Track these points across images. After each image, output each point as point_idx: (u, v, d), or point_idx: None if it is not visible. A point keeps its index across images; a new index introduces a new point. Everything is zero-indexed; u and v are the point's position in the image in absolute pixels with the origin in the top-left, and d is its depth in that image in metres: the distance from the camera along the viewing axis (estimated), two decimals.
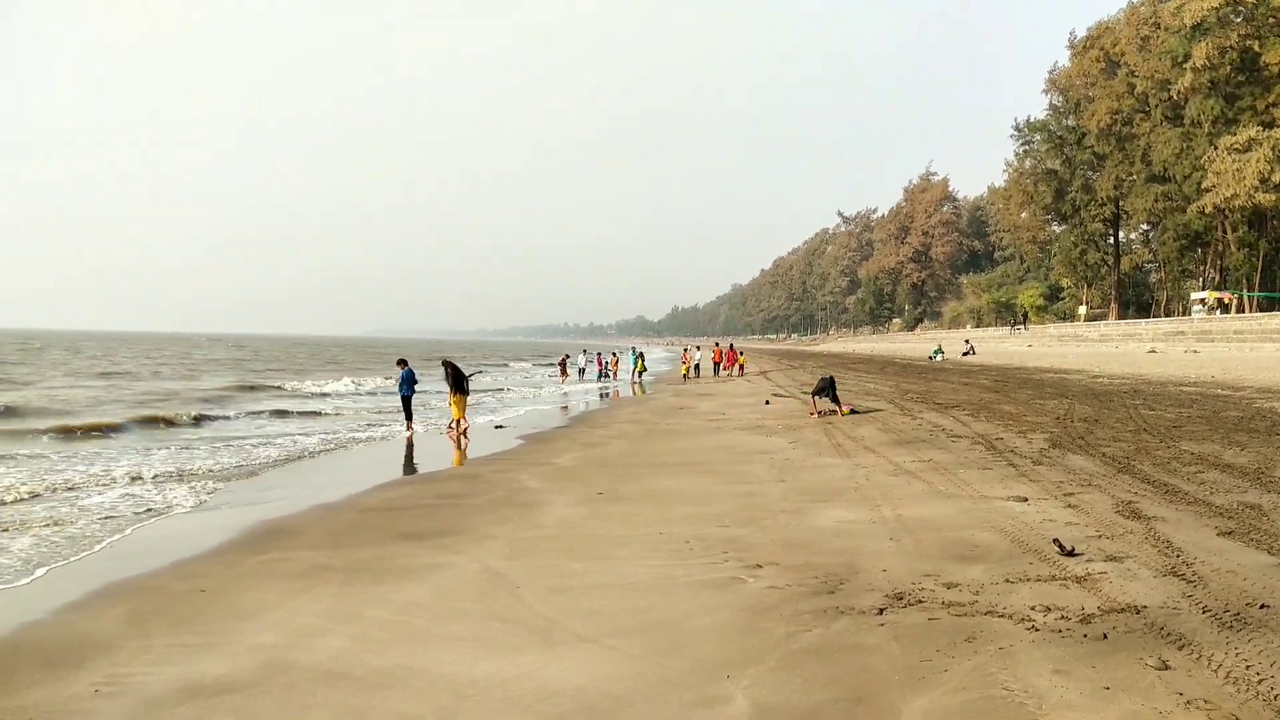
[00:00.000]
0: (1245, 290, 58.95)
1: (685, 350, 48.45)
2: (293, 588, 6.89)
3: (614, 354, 49.03)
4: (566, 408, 27.74)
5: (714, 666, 4.97)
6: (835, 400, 19.44)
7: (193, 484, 12.47)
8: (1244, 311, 55.23)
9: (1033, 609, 5.58)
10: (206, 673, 5.11)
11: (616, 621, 5.81)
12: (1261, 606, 5.32)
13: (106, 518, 10.06)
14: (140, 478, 12.89)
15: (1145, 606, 5.47)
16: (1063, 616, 5.40)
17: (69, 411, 23.85)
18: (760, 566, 6.99)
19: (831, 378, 20.28)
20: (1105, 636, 5.01)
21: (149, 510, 10.57)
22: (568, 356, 46.04)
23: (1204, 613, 5.30)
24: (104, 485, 12.28)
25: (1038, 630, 5.19)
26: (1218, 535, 7.16)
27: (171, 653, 5.46)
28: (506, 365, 67.15)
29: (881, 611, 5.72)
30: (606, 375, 44.94)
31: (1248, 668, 4.45)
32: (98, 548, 8.68)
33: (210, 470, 13.75)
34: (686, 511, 9.43)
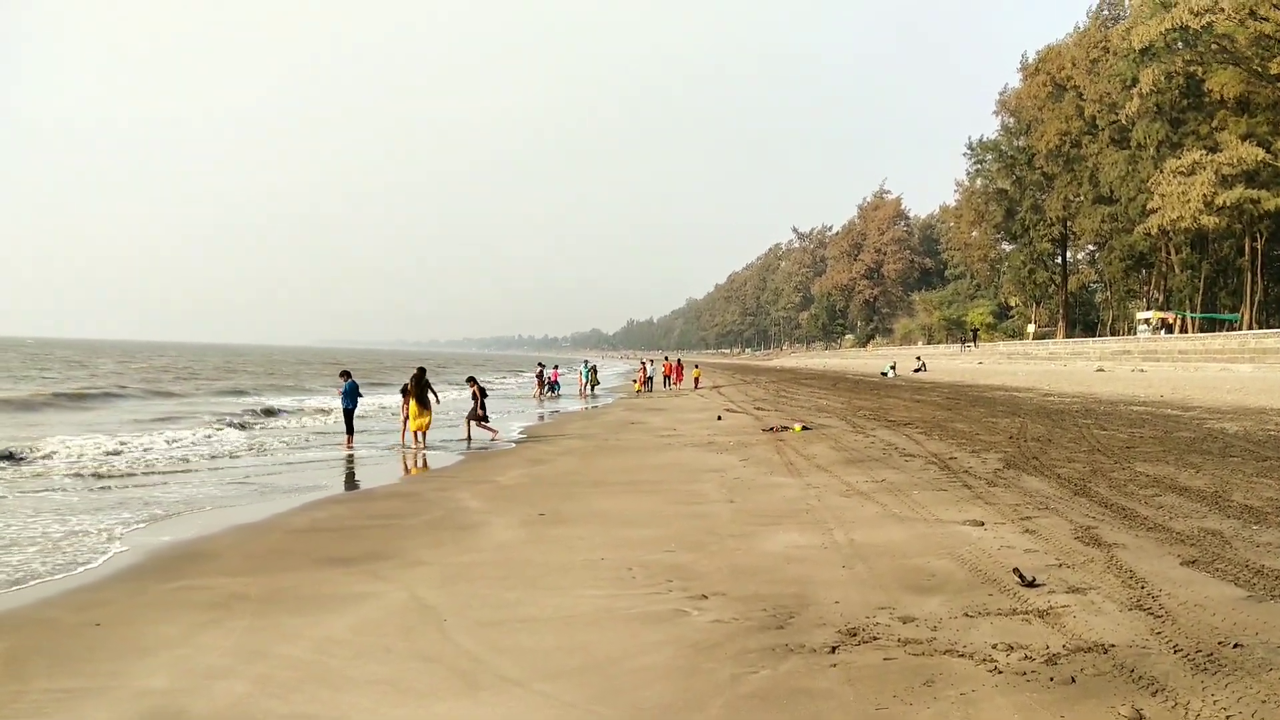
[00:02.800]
0: (1188, 311, 60.07)
1: (643, 364, 48.08)
2: (200, 620, 6.33)
3: (555, 366, 48.07)
4: (519, 422, 27.17)
5: (653, 716, 4.53)
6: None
7: (99, 501, 11.76)
8: (1186, 332, 56.24)
9: (994, 647, 5.22)
10: None
11: (549, 661, 5.34)
12: (1235, 646, 5.01)
13: None
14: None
15: (1113, 645, 5.13)
16: (1026, 656, 5.04)
17: None
18: (706, 597, 6.57)
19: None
20: (1073, 680, 4.66)
21: (43, 534, 9.86)
22: (542, 367, 44.35)
23: (1175, 652, 4.97)
24: None
25: (1000, 673, 4.82)
26: (1181, 564, 6.88)
27: (46, 701, 4.89)
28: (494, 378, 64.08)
29: (834, 650, 5.32)
30: (555, 387, 44.14)
31: (1228, 718, 4.11)
32: None
33: (124, 486, 13.02)
34: (632, 535, 8.99)
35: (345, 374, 20.79)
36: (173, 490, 12.78)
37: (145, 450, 17.49)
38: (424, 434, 18.84)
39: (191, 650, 5.65)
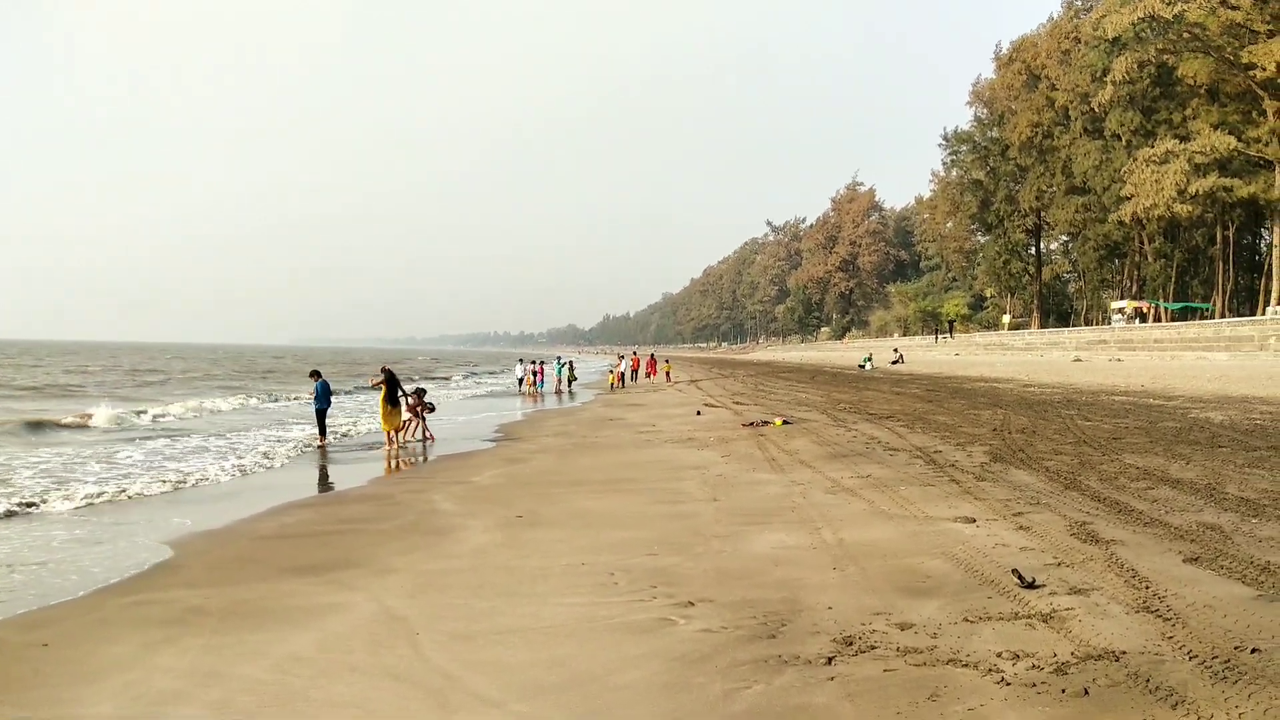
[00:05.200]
0: (1161, 300, 60.41)
1: (621, 358, 47.82)
2: (156, 638, 5.94)
3: (540, 362, 47.43)
4: (497, 419, 26.76)
5: None
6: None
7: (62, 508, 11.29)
8: (1160, 321, 56.55)
9: (999, 655, 4.93)
10: None
11: (527, 677, 5.01)
12: (1253, 651, 4.74)
13: None
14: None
15: (1124, 652, 4.85)
16: (1034, 665, 4.76)
17: None
18: (692, 604, 6.25)
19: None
20: (1086, 692, 4.37)
21: None
22: (540, 363, 43.16)
23: (1190, 659, 4.70)
24: None
25: (1009, 684, 4.53)
26: (1184, 561, 6.63)
27: None
28: (448, 379, 62.52)
29: (830, 661, 5.02)
30: (543, 384, 43.58)
31: None
32: None
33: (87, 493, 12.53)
34: (613, 537, 8.66)
35: (315, 374, 20.34)
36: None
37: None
38: (398, 433, 18.42)
39: (142, 673, 5.26)
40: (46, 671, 5.38)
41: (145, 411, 26.21)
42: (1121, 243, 64.74)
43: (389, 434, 18.15)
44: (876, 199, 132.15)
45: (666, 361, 51.81)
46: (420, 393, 20.08)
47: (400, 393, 18.58)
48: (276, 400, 34.90)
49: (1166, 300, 60.27)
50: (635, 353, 53.70)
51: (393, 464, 16.17)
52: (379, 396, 18.69)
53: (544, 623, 6.00)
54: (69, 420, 23.09)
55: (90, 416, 23.48)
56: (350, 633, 5.93)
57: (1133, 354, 43.14)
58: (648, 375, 47.82)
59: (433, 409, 20.45)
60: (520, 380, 42.72)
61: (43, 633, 6.17)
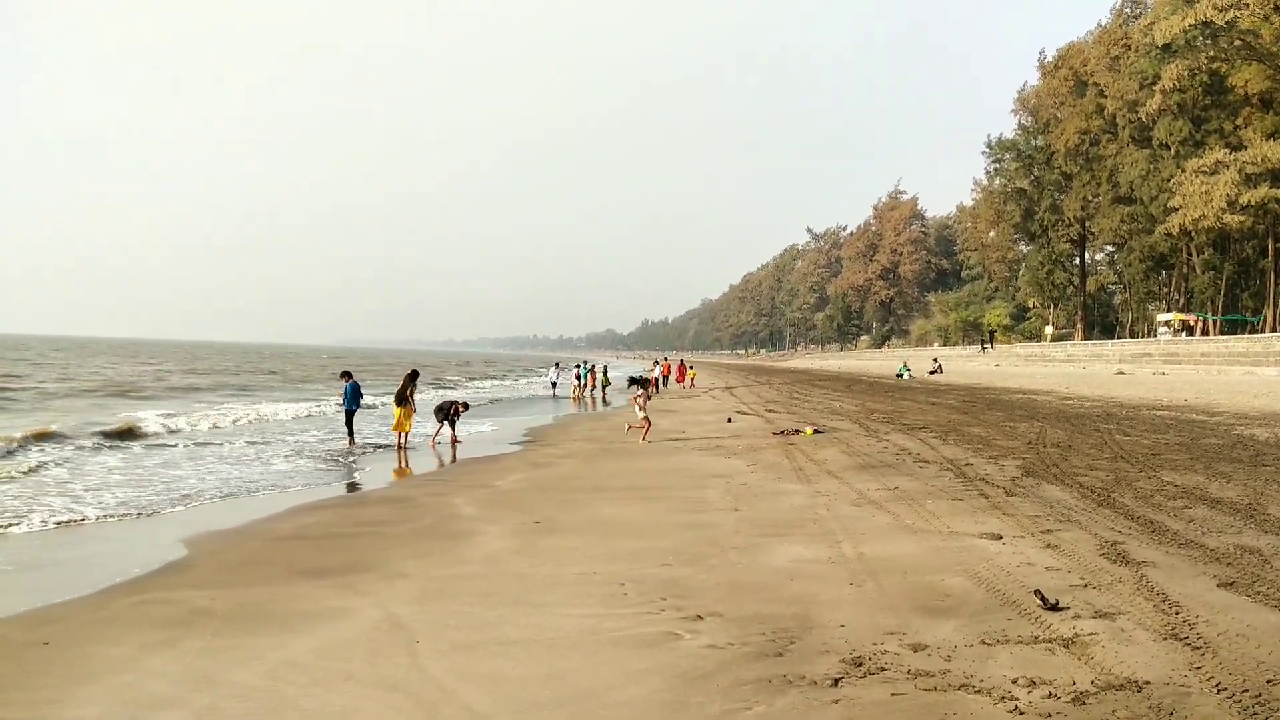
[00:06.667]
0: (1209, 313, 59.07)
1: (655, 364, 47.76)
2: (155, 639, 5.87)
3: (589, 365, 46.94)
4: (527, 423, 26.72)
5: None
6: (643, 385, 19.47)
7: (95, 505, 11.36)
8: (1208, 334, 55.26)
9: (1015, 682, 4.71)
10: None
11: (523, 693, 4.86)
12: None
13: None
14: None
15: (1148, 682, 4.60)
16: (1051, 694, 4.52)
17: None
18: (701, 618, 6.07)
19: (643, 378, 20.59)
20: None
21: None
22: (579, 366, 42.04)
23: (1219, 691, 4.44)
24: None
25: (1022, 714, 4.31)
26: (1218, 586, 6.34)
27: None
28: (481, 381, 61.52)
29: (837, 683, 4.82)
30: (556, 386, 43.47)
31: None
32: None
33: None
34: (628, 546, 8.50)
35: (346, 374, 20.39)
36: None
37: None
38: (405, 435, 18.33)
39: (136, 676, 5.19)
40: (43, 672, 5.33)
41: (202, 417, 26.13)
42: (1169, 254, 63.43)
43: (402, 433, 18.06)
44: (918, 207, 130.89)
45: (691, 368, 51.69)
46: (454, 404, 19.87)
47: (408, 393, 18.45)
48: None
49: (1214, 313, 58.92)
50: (666, 359, 53.61)
51: (403, 463, 16.27)
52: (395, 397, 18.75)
53: (547, 634, 5.85)
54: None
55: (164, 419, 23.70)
56: (350, 639, 5.82)
57: (1178, 367, 42.17)
58: (678, 381, 47.79)
59: (466, 407, 20.27)
60: (554, 384, 42.73)
61: (46, 630, 6.13)
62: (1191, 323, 58.35)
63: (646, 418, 18.94)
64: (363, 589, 7.10)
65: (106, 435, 18.95)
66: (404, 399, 18.32)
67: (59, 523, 10.22)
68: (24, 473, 13.68)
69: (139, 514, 10.93)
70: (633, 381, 19.66)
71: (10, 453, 15.72)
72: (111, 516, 10.71)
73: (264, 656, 5.50)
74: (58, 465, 14.84)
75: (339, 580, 7.40)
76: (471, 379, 64.75)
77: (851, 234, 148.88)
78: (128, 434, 19.38)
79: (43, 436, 18.00)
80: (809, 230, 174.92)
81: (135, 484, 13.20)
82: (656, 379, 44.02)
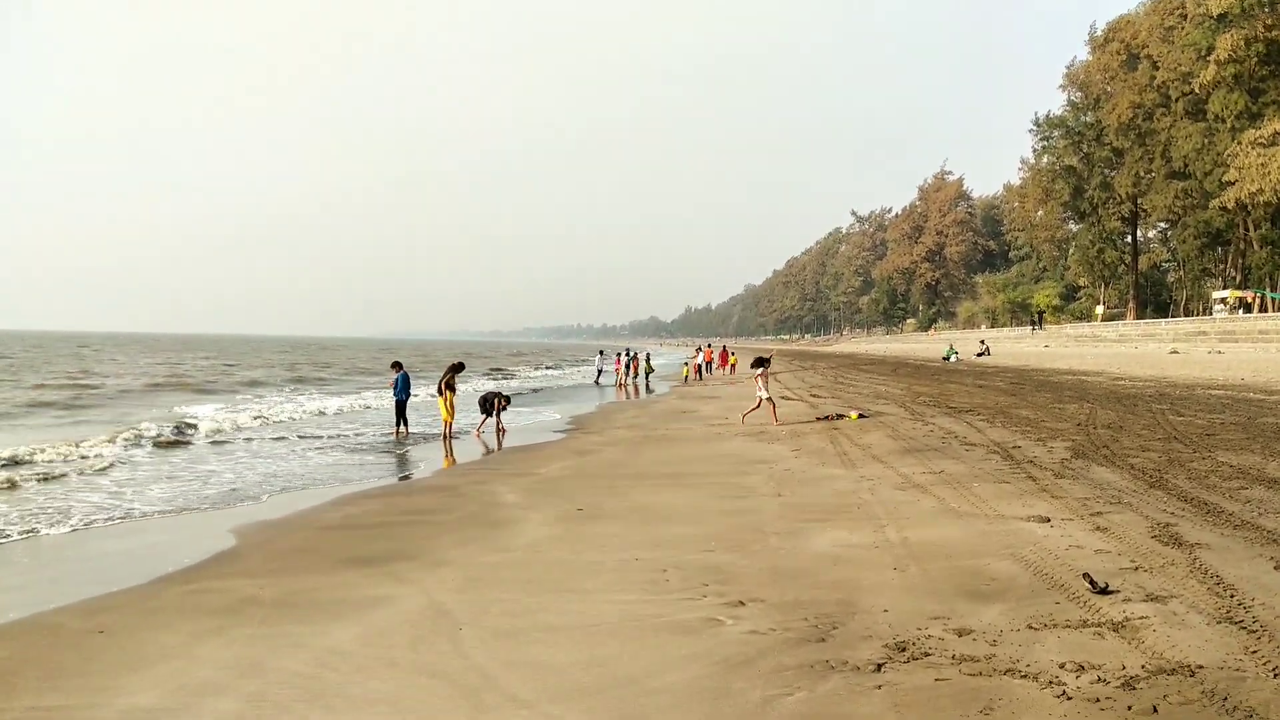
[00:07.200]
0: (1268, 289, 57.52)
1: (698, 350, 47.53)
2: (205, 627, 5.98)
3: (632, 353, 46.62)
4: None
5: None
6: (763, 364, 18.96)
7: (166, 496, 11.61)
8: (1266, 311, 53.82)
9: (1062, 667, 4.63)
10: None
11: (564, 679, 4.88)
12: None
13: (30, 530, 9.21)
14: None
15: (1201, 666, 4.50)
16: (1100, 679, 4.44)
17: None
18: (743, 604, 6.05)
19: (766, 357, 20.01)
20: (1155, 710, 4.05)
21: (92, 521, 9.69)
22: (620, 354, 41.67)
23: (1275, 676, 4.33)
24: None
25: (1070, 699, 4.23)
26: (1275, 568, 6.17)
27: None
28: (555, 367, 60.88)
29: (880, 668, 4.77)
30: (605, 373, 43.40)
31: None
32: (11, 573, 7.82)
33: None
34: (670, 532, 8.50)
35: (397, 365, 20.64)
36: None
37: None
38: (449, 425, 18.64)
39: (186, 663, 5.29)
40: (98, 659, 5.46)
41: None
42: (1224, 230, 61.77)
43: (447, 422, 18.49)
44: (964, 187, 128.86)
45: (733, 354, 51.54)
46: (497, 395, 20.13)
47: (445, 381, 18.79)
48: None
49: (1273, 289, 57.33)
50: (710, 344, 53.48)
51: (448, 452, 16.60)
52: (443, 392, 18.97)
53: (589, 620, 5.87)
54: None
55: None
56: (394, 626, 5.89)
57: (1234, 346, 41.15)
58: (720, 367, 47.62)
59: (509, 401, 20.52)
60: (600, 371, 42.62)
61: (101, 619, 6.27)
62: (1249, 299, 56.86)
63: (770, 399, 18.82)
64: (407, 577, 7.17)
65: (177, 430, 19.23)
66: (444, 388, 18.58)
67: (125, 513, 10.45)
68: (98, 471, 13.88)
69: (192, 508, 11.14)
70: (758, 363, 19.24)
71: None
72: (166, 510, 10.93)
73: (310, 644, 5.58)
74: (141, 457, 15.15)
75: (383, 568, 7.48)
76: (536, 368, 65.01)
77: (896, 216, 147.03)
78: (189, 429, 19.67)
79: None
80: (853, 213, 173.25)
81: (193, 479, 13.45)
82: (700, 365, 43.91)
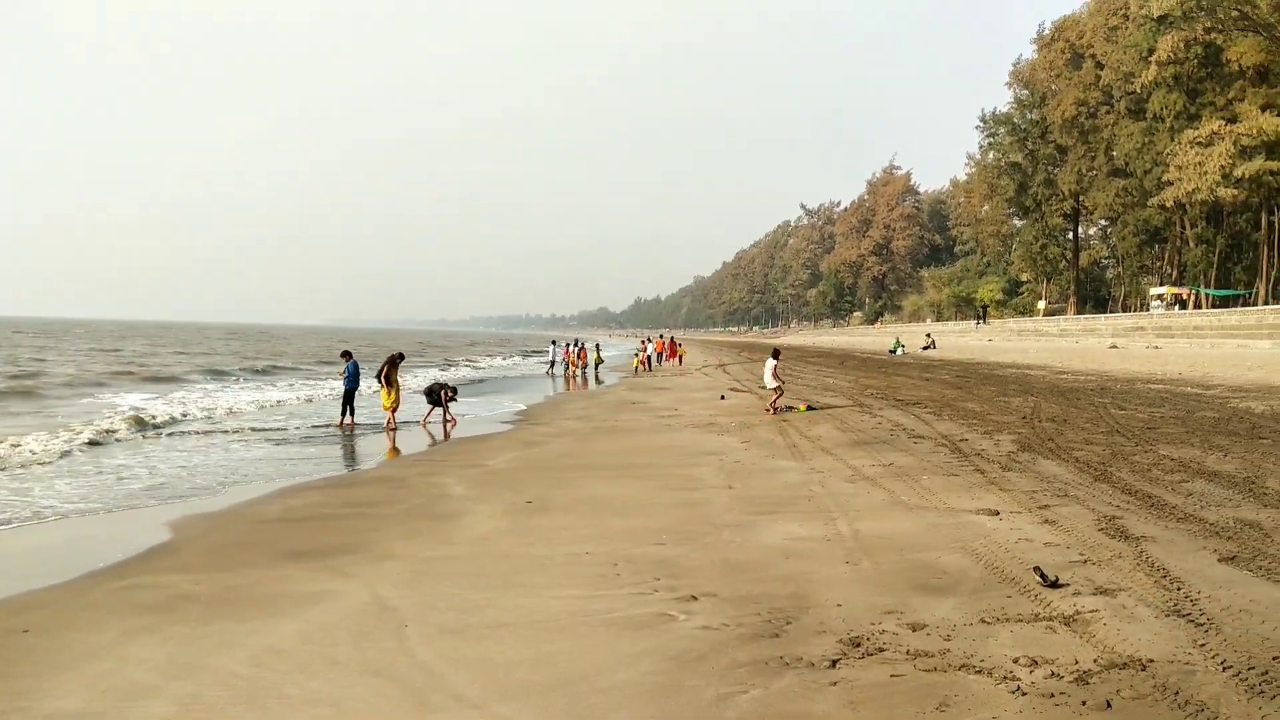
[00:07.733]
0: (1202, 286, 59.00)
1: (646, 342, 47.38)
2: (137, 626, 5.74)
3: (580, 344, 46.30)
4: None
5: None
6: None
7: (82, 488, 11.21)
8: (1200, 308, 55.22)
9: (1016, 661, 4.61)
10: None
11: (512, 677, 4.74)
12: None
13: None
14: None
15: (1152, 660, 4.51)
16: (1053, 673, 4.42)
17: None
18: (695, 598, 5.96)
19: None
20: (1109, 705, 4.04)
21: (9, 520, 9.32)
22: (569, 345, 41.58)
23: (1224, 669, 4.35)
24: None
25: (1024, 694, 4.20)
26: (1219, 561, 6.24)
27: None
28: (476, 360, 60.62)
29: (834, 664, 4.71)
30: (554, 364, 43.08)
31: None
32: None
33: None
34: (621, 525, 8.39)
35: (346, 354, 20.26)
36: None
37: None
38: (394, 413, 18.41)
39: (116, 664, 5.06)
40: (22, 660, 5.20)
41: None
42: (1162, 228, 63.26)
43: (390, 412, 18.25)
44: (912, 182, 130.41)
45: (680, 346, 52.00)
46: (443, 386, 19.82)
47: (383, 372, 18.74)
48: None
49: (1208, 286, 58.84)
50: (660, 336, 53.46)
51: (393, 442, 16.36)
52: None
53: (537, 616, 5.74)
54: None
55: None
56: (336, 623, 5.70)
57: (1171, 341, 42.15)
58: (668, 359, 47.75)
59: (455, 392, 20.26)
60: (553, 362, 42.23)
61: (27, 617, 5.99)
62: (1184, 296, 58.30)
63: (779, 388, 19.35)
64: (350, 571, 6.97)
65: (112, 423, 18.61)
66: (383, 380, 18.41)
67: (52, 509, 10.07)
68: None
69: (124, 503, 10.77)
70: (775, 354, 20.26)
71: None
72: (97, 505, 10.56)
73: (246, 643, 5.37)
74: (74, 450, 14.63)
75: (326, 562, 7.27)
76: (490, 357, 64.52)
77: (845, 210, 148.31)
78: (136, 424, 19.04)
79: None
80: (802, 206, 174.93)
81: (127, 473, 13.03)
82: (649, 356, 43.80)
